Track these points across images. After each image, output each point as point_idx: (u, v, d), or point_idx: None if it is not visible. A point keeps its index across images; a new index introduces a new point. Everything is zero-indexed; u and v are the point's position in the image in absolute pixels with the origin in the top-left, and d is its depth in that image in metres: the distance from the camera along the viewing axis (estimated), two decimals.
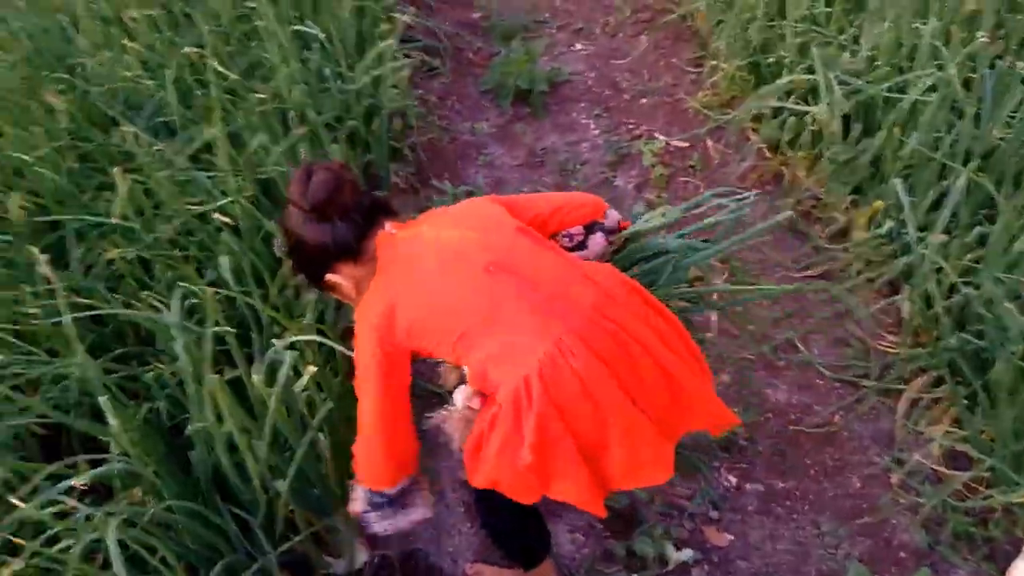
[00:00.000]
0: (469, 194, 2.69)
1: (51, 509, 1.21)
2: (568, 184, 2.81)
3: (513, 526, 1.45)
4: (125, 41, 2.27)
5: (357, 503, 1.36)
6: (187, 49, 2.23)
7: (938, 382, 1.89)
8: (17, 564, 1.07)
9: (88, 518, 1.17)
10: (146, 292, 1.70)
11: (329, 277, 1.31)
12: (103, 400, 1.28)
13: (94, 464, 1.39)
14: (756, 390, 2.05)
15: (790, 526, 1.77)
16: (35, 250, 1.56)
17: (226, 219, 1.66)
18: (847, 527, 1.74)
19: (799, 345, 2.13)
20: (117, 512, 1.19)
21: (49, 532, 1.18)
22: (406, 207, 2.39)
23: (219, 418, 1.50)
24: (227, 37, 2.36)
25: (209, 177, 1.94)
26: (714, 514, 1.80)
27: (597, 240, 1.45)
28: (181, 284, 1.57)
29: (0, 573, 1.06)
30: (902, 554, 1.68)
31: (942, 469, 1.77)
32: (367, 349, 1.22)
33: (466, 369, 1.26)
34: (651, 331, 1.17)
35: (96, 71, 2.28)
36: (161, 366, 1.53)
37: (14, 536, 1.22)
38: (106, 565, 1.19)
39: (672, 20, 3.52)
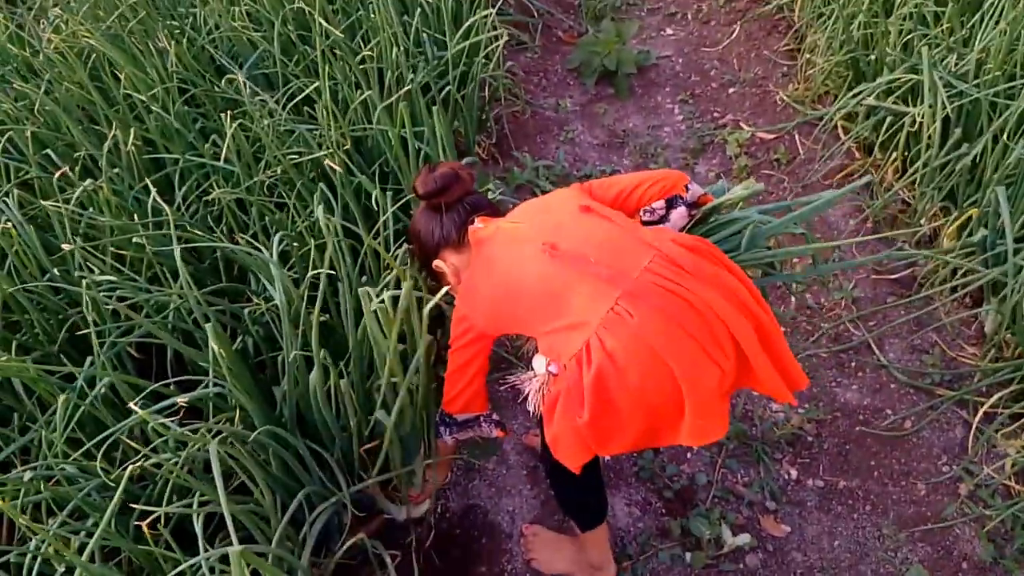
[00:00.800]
0: (547, 168, 2.72)
1: (152, 423, 1.30)
2: (647, 167, 2.81)
3: (577, 488, 1.49)
4: None
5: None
6: (295, 4, 2.31)
7: (1019, 397, 1.84)
8: (135, 465, 1.15)
9: (194, 431, 1.25)
10: (242, 235, 1.79)
11: (436, 263, 1.45)
12: (209, 327, 1.35)
13: (187, 389, 1.48)
14: (826, 388, 2.03)
15: (849, 525, 1.76)
16: (148, 182, 1.65)
17: (335, 166, 1.72)
18: (909, 532, 1.73)
19: (874, 347, 2.09)
20: (217, 430, 1.26)
21: (158, 440, 1.26)
22: (486, 176, 2.43)
23: (307, 357, 1.58)
24: None
25: (309, 130, 2.01)
26: (771, 504, 1.80)
27: (679, 213, 1.46)
28: (283, 222, 1.65)
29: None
30: (964, 565, 1.66)
31: (1014, 484, 1.74)
32: (459, 329, 1.39)
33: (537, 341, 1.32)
34: (719, 290, 1.18)
35: (204, 21, 2.38)
36: (259, 302, 1.60)
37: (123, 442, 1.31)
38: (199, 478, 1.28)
39: (767, 11, 3.46)
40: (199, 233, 1.69)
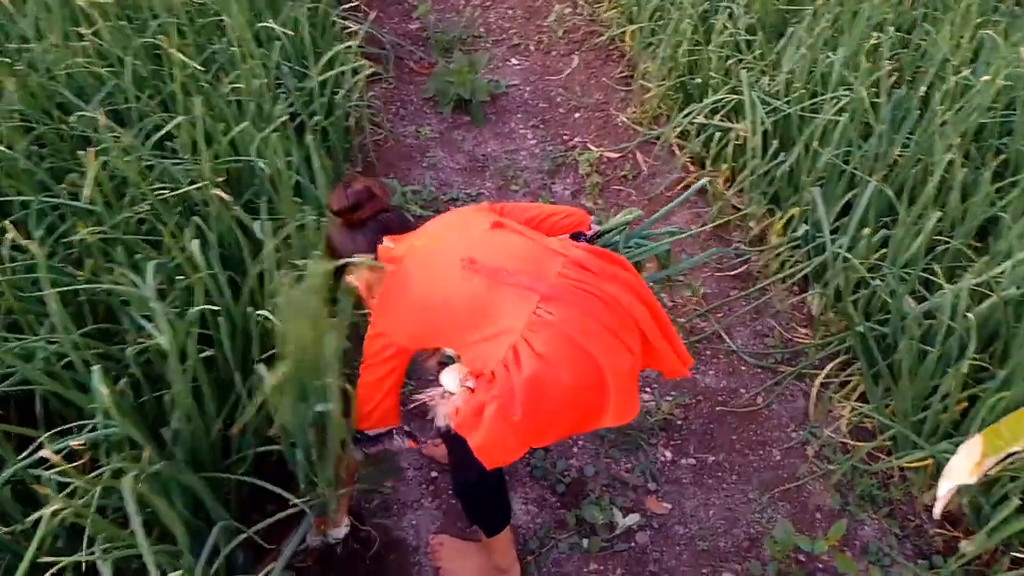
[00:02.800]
0: (416, 193, 2.80)
1: (42, 472, 1.24)
2: (509, 189, 2.96)
3: (483, 494, 1.56)
4: (80, 29, 2.27)
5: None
6: (146, 39, 2.25)
7: (845, 366, 2.14)
8: (52, 507, 1.09)
9: (96, 477, 1.21)
10: (109, 275, 1.72)
11: (348, 279, 1.45)
12: (95, 369, 1.31)
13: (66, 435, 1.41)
14: (688, 376, 2.24)
15: (721, 495, 1.96)
16: (8, 223, 1.57)
17: (222, 194, 1.71)
18: (770, 494, 1.95)
19: (724, 336, 2.34)
20: (127, 468, 1.22)
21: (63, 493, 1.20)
22: None
23: (196, 391, 1.56)
24: (186, 30, 2.39)
25: (174, 164, 1.98)
26: (653, 485, 1.97)
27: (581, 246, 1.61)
28: (155, 259, 1.61)
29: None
30: (818, 515, 1.90)
31: (849, 441, 2.01)
32: (376, 345, 1.39)
33: (449, 351, 1.40)
34: (620, 285, 1.33)
35: (42, 56, 2.26)
36: (142, 340, 1.55)
37: None
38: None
39: (601, 41, 3.75)
40: (64, 276, 1.62)
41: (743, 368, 2.27)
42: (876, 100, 2.39)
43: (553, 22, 3.96)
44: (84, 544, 1.24)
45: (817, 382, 2.12)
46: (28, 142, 1.98)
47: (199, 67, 2.13)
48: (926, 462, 1.82)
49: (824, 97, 2.44)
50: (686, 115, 2.85)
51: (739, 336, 2.36)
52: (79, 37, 2.24)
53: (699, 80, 2.88)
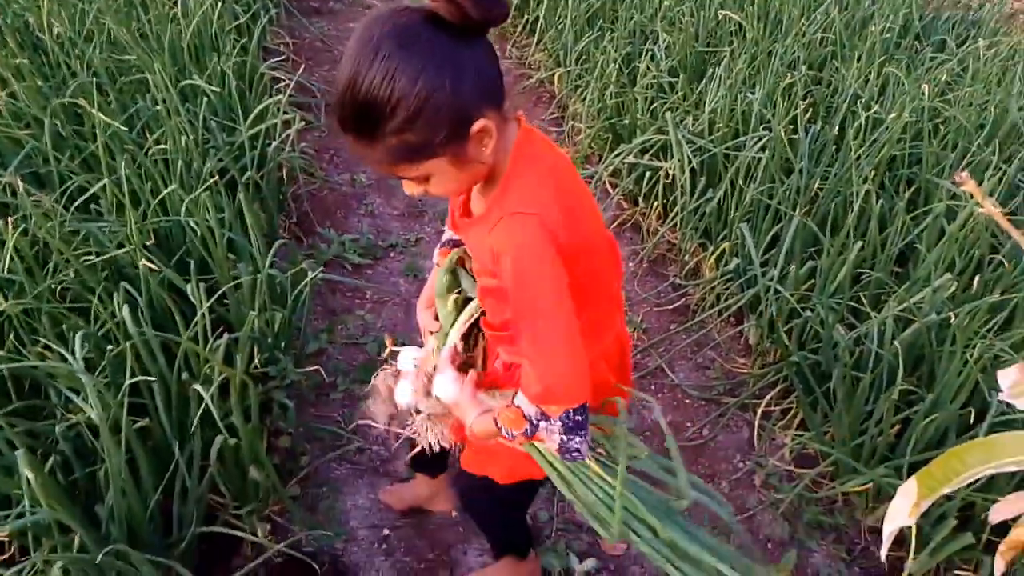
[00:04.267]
0: (354, 241, 2.78)
1: None
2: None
3: (515, 517, 1.58)
4: None
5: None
6: (63, 99, 2.19)
7: (786, 394, 2.20)
8: None
9: (31, 566, 1.13)
10: (33, 347, 1.65)
11: (478, 125, 0.93)
12: (20, 454, 1.24)
13: None
14: (635, 412, 2.27)
15: None
16: None
17: (152, 265, 1.66)
18: (722, 526, 1.97)
19: (667, 371, 2.38)
20: (52, 559, 1.15)
21: None
22: (296, 254, 2.43)
23: (132, 463, 1.49)
24: (107, 88, 2.33)
25: (100, 227, 1.91)
26: None
27: None
28: (82, 328, 1.55)
29: None
30: (769, 545, 1.93)
31: (794, 468, 2.06)
32: (541, 245, 0.97)
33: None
34: None
35: None
36: (70, 415, 1.48)
37: None
38: None
39: (531, 84, 3.83)
40: None
41: (687, 402, 2.30)
42: (794, 136, 2.50)
43: None
44: None
45: (759, 412, 2.17)
46: None
47: (122, 126, 2.07)
48: (867, 486, 1.88)
49: (745, 137, 2.54)
50: (617, 155, 2.93)
51: (681, 370, 2.40)
52: None
53: (627, 121, 2.96)
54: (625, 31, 3.32)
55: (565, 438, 1.08)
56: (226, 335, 1.74)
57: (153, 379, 1.53)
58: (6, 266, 1.69)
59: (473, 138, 0.94)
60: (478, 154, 0.97)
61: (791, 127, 2.51)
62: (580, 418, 1.06)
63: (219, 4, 2.79)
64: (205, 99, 2.36)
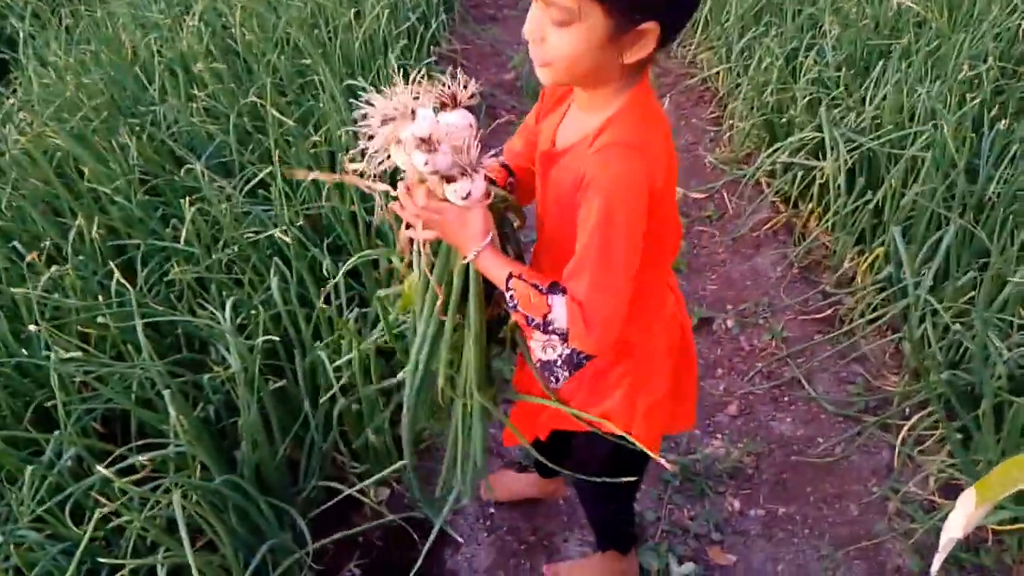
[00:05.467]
0: None
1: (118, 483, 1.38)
2: None
3: (625, 507, 1.60)
4: (194, 91, 2.54)
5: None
6: (248, 99, 2.49)
7: (933, 416, 1.99)
8: (103, 511, 1.22)
9: (156, 488, 1.34)
10: (201, 309, 1.90)
11: (642, 27, 0.91)
12: (168, 393, 1.45)
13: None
14: (762, 423, 2.16)
15: (791, 549, 1.86)
16: (112, 266, 1.77)
17: (285, 238, 1.86)
18: (845, 551, 1.83)
19: (804, 382, 2.24)
20: (179, 484, 1.35)
21: (123, 498, 1.34)
22: None
23: (266, 418, 1.68)
24: (284, 89, 2.62)
25: (264, 211, 2.16)
26: (717, 536, 1.90)
27: None
28: (237, 295, 1.77)
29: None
30: None
31: (936, 498, 1.86)
32: (640, 183, 0.95)
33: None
34: None
35: (164, 116, 2.55)
36: (218, 370, 1.70)
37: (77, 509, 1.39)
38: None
39: (693, 83, 3.75)
40: (160, 309, 1.80)
41: (823, 417, 2.16)
42: (972, 135, 2.25)
43: None
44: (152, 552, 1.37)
45: (903, 434, 1.99)
46: (144, 193, 2.23)
47: (293, 123, 2.32)
48: (1021, 526, 1.66)
49: (911, 130, 2.33)
50: (771, 153, 2.80)
51: (820, 382, 2.25)
52: (190, 99, 2.50)
53: (784, 119, 2.82)
54: (792, 25, 3.15)
55: (559, 365, 1.14)
56: (357, 309, 1.91)
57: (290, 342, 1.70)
58: (185, 239, 1.96)
59: (633, 33, 0.91)
60: (621, 50, 0.93)
61: (967, 125, 2.26)
62: (583, 361, 1.11)
63: (387, 12, 3.01)
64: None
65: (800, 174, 2.64)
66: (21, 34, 3.11)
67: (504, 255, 1.05)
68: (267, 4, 3.09)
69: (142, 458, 1.37)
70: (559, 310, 1.00)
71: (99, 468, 1.23)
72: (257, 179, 2.21)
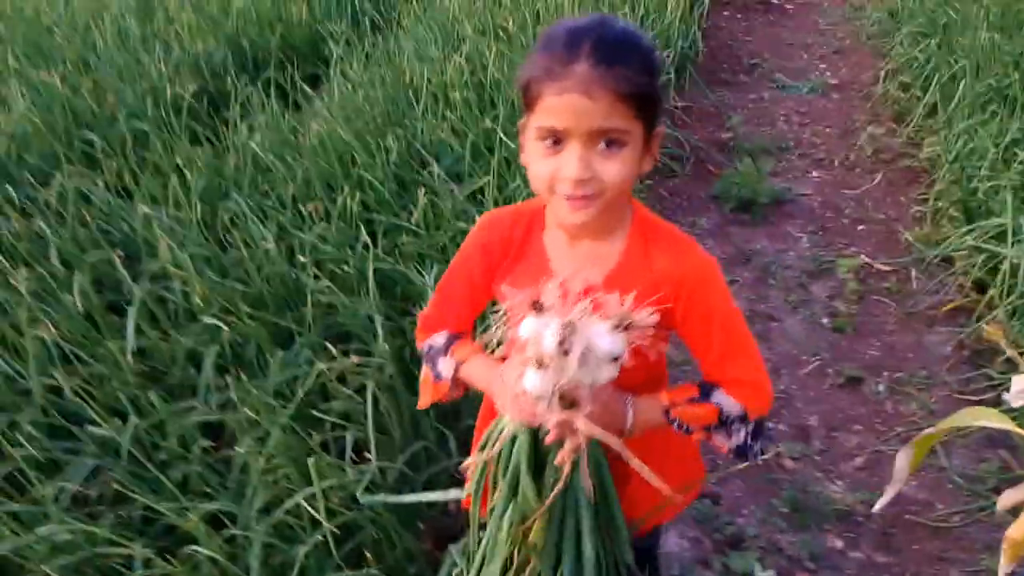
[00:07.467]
0: None
1: None
2: (765, 282, 3.17)
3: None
4: (447, 112, 3.17)
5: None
6: (485, 124, 3.06)
7: None
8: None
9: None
10: (419, 275, 2.44)
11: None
12: (379, 318, 1.97)
13: None
14: (885, 480, 2.23)
15: None
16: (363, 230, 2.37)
17: None
18: None
19: (939, 452, 2.28)
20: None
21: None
22: None
23: None
24: (515, 119, 3.16)
25: (478, 210, 2.68)
26: (810, 564, 2.03)
27: None
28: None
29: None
30: None
31: None
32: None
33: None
34: None
35: (422, 131, 3.20)
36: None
37: None
38: None
39: (911, 163, 3.77)
40: (389, 265, 2.35)
41: (948, 487, 2.19)
42: None
43: (864, 141, 4.08)
44: None
45: None
46: (394, 183, 2.86)
47: (514, 144, 2.83)
48: None
49: None
50: (962, 236, 2.82)
51: (957, 456, 2.27)
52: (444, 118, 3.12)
53: (976, 203, 2.83)
54: (1017, 118, 3.13)
55: (751, 440, 1.11)
56: None
57: None
58: (415, 220, 2.52)
59: (655, 137, 1.00)
60: (647, 157, 1.00)
61: None
62: (767, 423, 1.16)
63: None
64: None
65: (983, 258, 2.65)
66: (333, 55, 3.98)
67: (642, 399, 1.07)
68: (520, 50, 3.69)
69: (354, 358, 1.88)
70: (726, 403, 1.09)
71: (321, 366, 1.75)
72: (477, 186, 2.74)
